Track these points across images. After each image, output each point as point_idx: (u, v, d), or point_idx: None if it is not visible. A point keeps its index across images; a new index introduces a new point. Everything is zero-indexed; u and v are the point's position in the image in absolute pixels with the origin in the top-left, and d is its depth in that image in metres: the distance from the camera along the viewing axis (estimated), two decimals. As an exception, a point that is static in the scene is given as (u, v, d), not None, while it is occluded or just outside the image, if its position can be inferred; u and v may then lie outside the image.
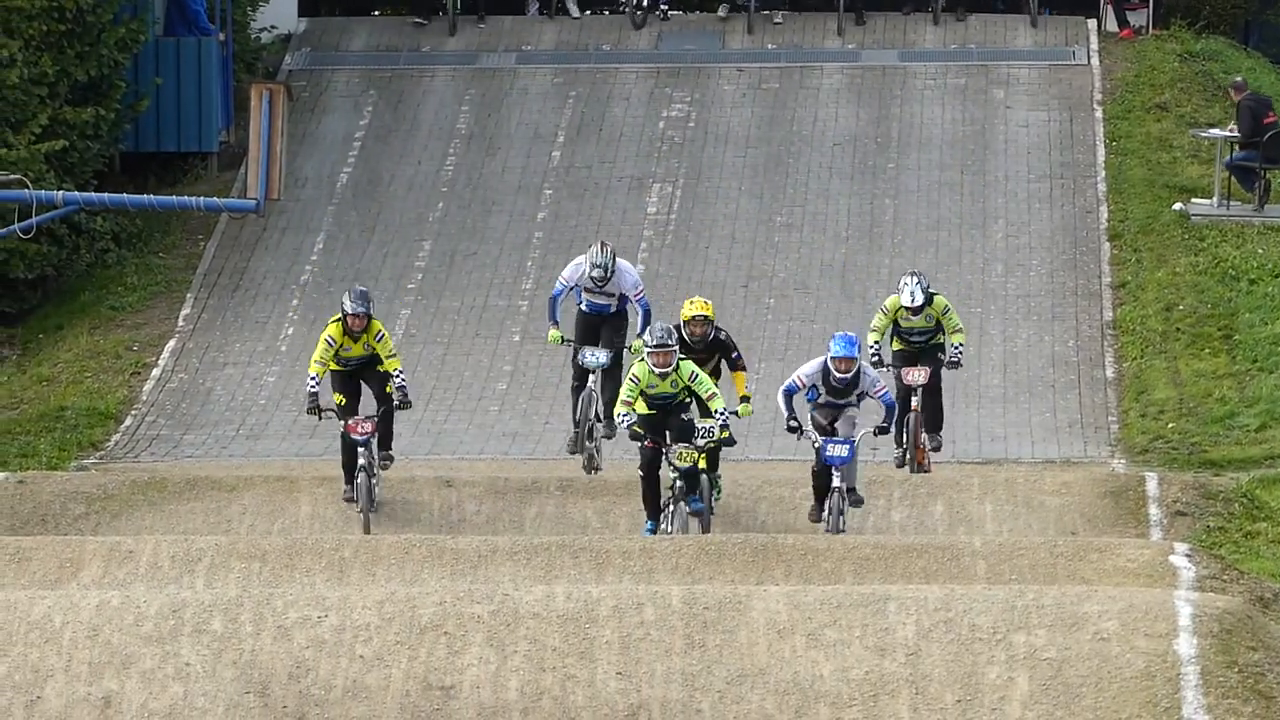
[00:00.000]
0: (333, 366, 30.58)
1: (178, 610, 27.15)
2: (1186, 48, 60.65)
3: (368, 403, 34.09)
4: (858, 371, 30.97)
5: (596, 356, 35.11)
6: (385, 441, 32.30)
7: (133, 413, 48.13)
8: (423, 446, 43.05)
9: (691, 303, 29.32)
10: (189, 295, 53.53)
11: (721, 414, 27.57)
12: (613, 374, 34.86)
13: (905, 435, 36.05)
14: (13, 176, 46.05)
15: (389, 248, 54.94)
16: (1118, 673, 26.47)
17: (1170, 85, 58.01)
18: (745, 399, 30.47)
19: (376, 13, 69.56)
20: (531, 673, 27.85)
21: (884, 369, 36.17)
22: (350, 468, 31.69)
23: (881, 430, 32.62)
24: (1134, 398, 45.62)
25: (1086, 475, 39.14)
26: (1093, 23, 61.90)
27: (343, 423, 29.90)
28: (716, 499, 29.04)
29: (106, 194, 52.83)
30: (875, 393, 32.06)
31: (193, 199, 54.42)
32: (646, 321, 34.90)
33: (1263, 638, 28.07)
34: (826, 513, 32.04)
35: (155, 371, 50.74)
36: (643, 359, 26.84)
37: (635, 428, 26.54)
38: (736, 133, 57.63)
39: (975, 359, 46.38)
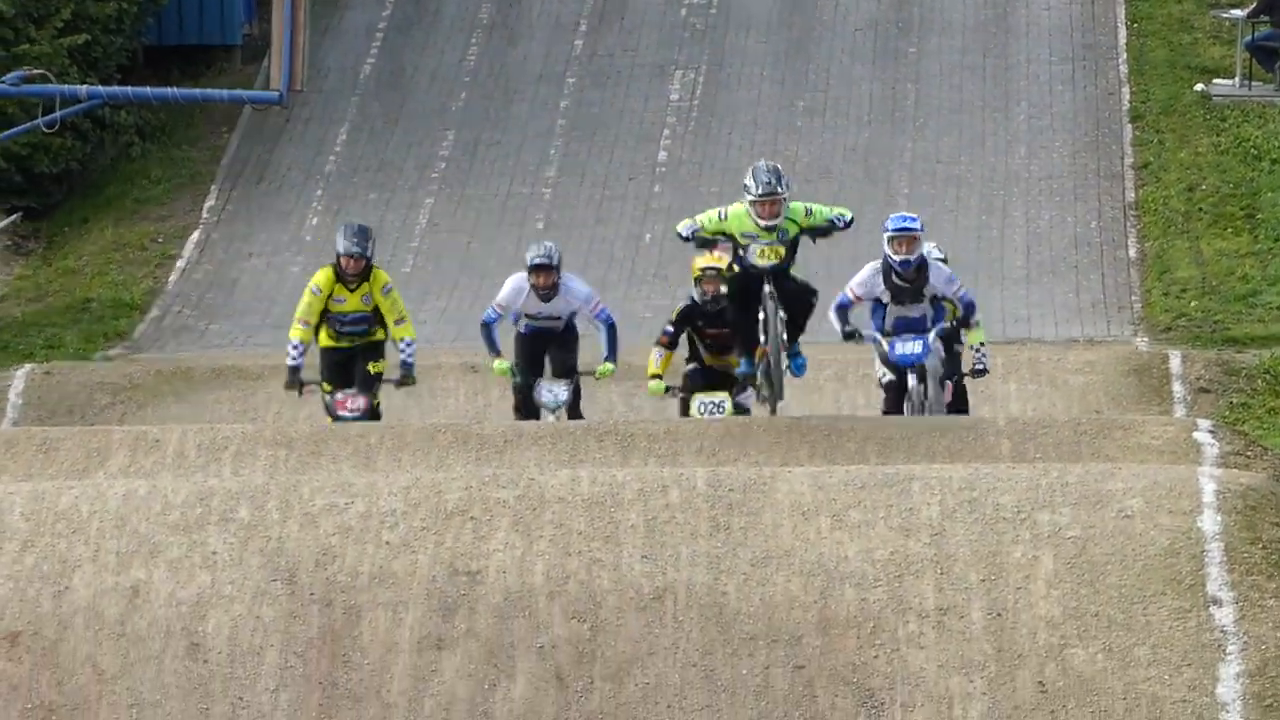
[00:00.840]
0: (324, 337, 27.85)
1: (204, 499, 27.52)
2: None
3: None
4: (923, 261, 27.96)
5: (555, 394, 31.63)
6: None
7: (158, 304, 48.45)
8: (448, 334, 43.17)
9: (705, 255, 27.07)
10: (213, 187, 54.00)
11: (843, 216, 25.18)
12: (572, 412, 32.16)
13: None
14: (36, 71, 46.22)
15: (413, 138, 55.35)
16: (1142, 550, 26.56)
17: None
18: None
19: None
20: (557, 557, 27.90)
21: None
22: None
23: (957, 328, 29.76)
24: (1156, 277, 45.73)
25: (1110, 354, 39.30)
26: None
27: (330, 397, 27.97)
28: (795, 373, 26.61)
29: (130, 88, 52.96)
30: (954, 292, 29.06)
31: (216, 92, 54.56)
32: (612, 338, 31.85)
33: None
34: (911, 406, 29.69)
35: (180, 263, 50.99)
36: (744, 206, 23.69)
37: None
38: (758, 19, 57.66)
39: (999, 240, 48.36)
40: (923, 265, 28.02)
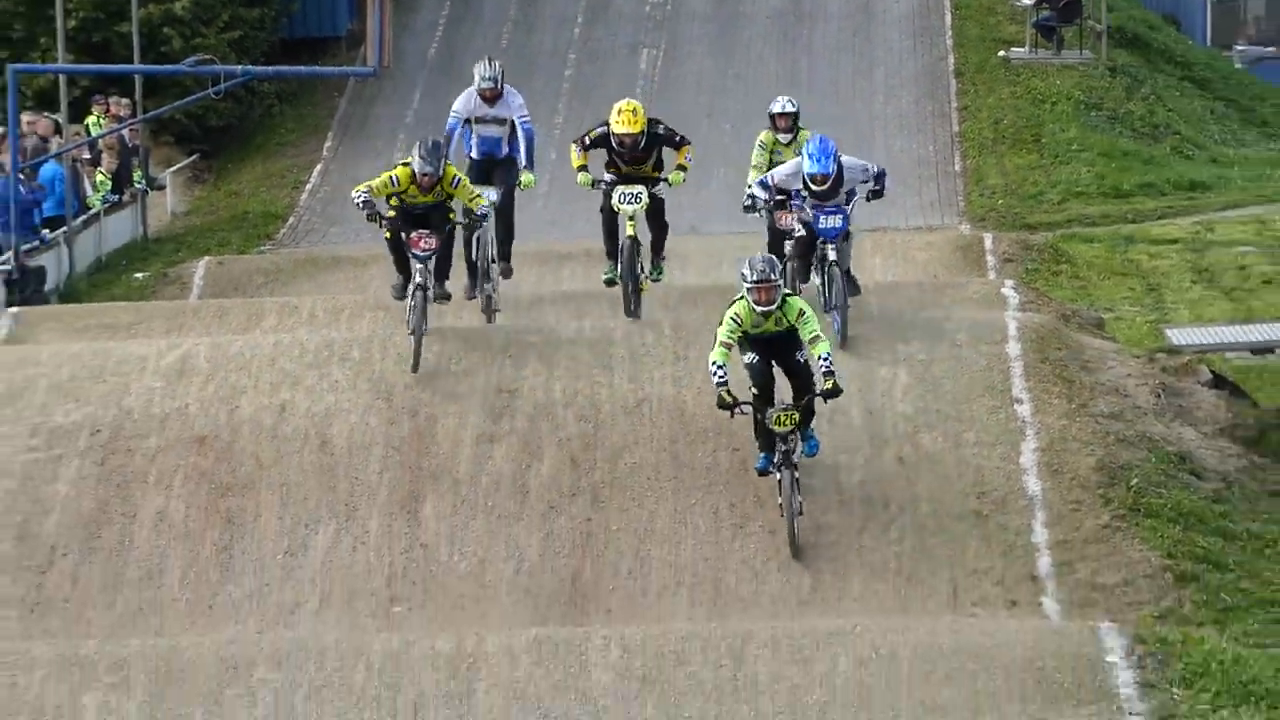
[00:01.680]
0: (392, 204, 25.93)
1: (329, 345, 28.37)
2: None
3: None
4: (839, 174, 26.10)
5: (488, 194, 28.50)
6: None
7: (294, 214, 49.71)
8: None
9: (620, 109, 25.02)
10: (329, 134, 55.24)
11: (826, 360, 22.31)
12: (503, 213, 29.96)
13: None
14: (206, 56, 46.93)
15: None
16: (967, 368, 27.25)
17: None
18: (682, 167, 25.60)
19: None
20: (570, 380, 28.28)
21: (758, 214, 29.62)
22: (404, 278, 27.54)
23: (875, 194, 28.66)
24: (974, 184, 47.15)
25: (943, 237, 40.37)
26: None
27: (405, 235, 25.95)
28: (808, 454, 23.86)
29: (270, 67, 54.17)
30: (865, 179, 27.74)
31: (329, 69, 55.91)
32: (530, 145, 30.18)
33: (1065, 341, 28.92)
34: (824, 285, 27.57)
35: (308, 186, 52.24)
36: (741, 296, 21.63)
37: (724, 394, 21.74)
38: (698, 12, 58.79)
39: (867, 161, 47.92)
40: (839, 177, 26.32)
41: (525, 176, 29.92)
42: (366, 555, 24.22)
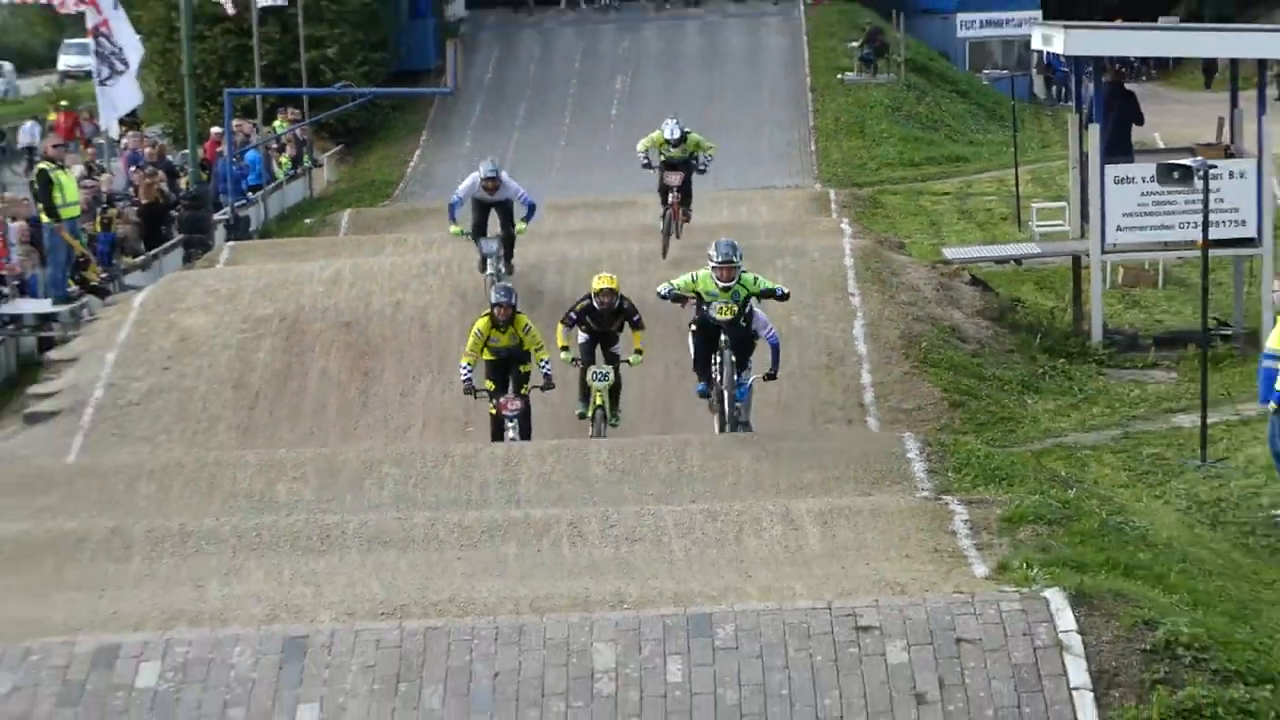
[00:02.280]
0: (485, 356, 22.94)
1: (425, 263, 28.21)
2: (844, 10, 60.70)
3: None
4: (738, 279, 20.22)
5: (489, 245, 26.82)
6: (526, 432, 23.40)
7: (402, 182, 48.94)
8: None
9: (599, 277, 22.47)
10: (423, 131, 53.94)
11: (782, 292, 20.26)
12: (507, 243, 27.28)
13: (666, 216, 29.87)
14: (348, 83, 47.28)
15: (506, 109, 55.09)
16: (820, 273, 27.09)
17: (838, 24, 58.68)
18: (639, 351, 22.61)
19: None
20: (591, 247, 28.55)
21: (652, 170, 30.29)
22: (498, 439, 23.48)
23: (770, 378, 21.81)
24: (823, 159, 46.49)
25: (804, 193, 39.30)
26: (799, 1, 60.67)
27: (493, 401, 22.82)
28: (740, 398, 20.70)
29: (386, 89, 53.83)
30: (765, 333, 21.52)
31: (422, 89, 55.40)
32: (531, 212, 28.06)
33: (880, 257, 28.83)
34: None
35: (410, 164, 51.17)
36: (707, 271, 19.31)
37: (670, 298, 20.14)
38: (653, 52, 57.45)
39: (755, 145, 47.81)
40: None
41: (519, 226, 27.78)
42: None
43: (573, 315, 22.16)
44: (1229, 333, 27.06)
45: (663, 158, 29.97)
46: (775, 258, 27.74)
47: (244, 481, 20.06)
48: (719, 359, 18.94)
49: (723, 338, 18.86)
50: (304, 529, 17.37)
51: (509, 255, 27.36)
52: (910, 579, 14.56)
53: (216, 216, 39.13)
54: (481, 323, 22.75)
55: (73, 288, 31.53)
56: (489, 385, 22.88)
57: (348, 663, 13.13)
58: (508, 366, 23.08)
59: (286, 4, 48.63)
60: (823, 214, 36.84)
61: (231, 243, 36.16)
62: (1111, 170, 28.04)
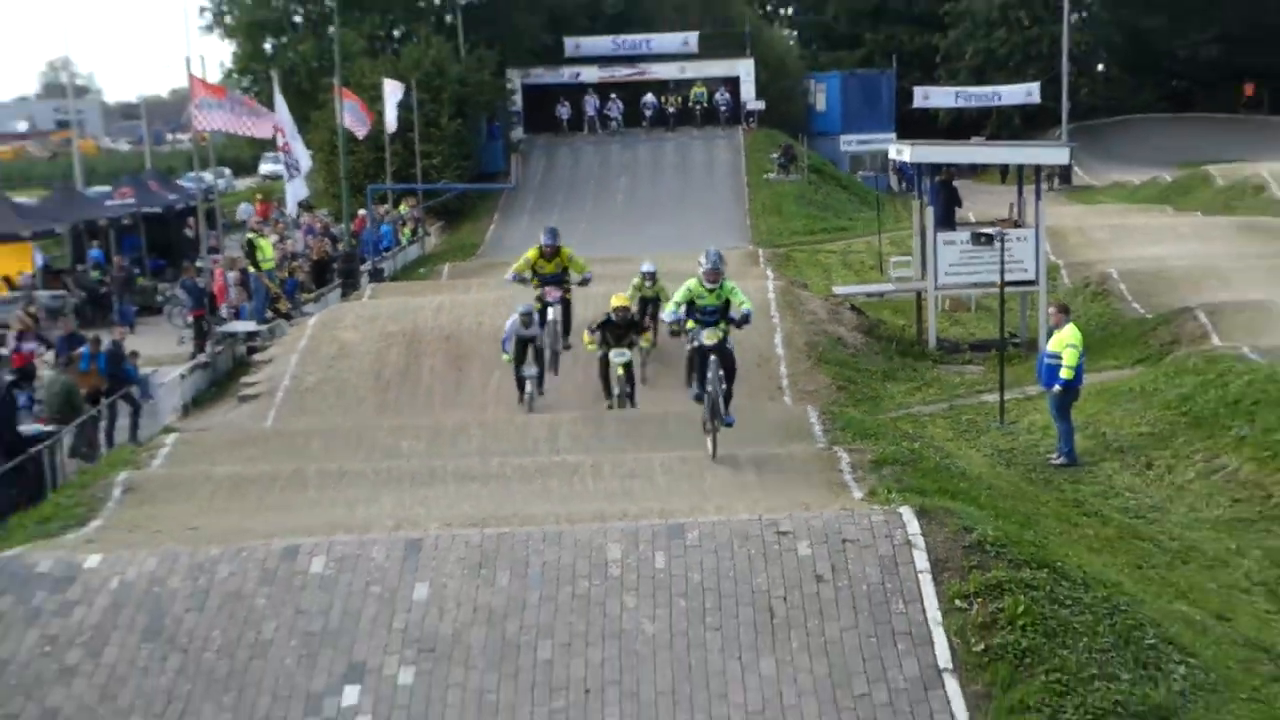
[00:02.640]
0: (533, 284, 21.71)
1: (498, 298, 25.93)
2: (769, 134, 59.04)
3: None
4: (721, 282, 17.67)
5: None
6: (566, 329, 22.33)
7: (482, 245, 46.67)
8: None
9: (616, 297, 21.21)
10: (496, 212, 51.90)
11: (746, 312, 17.24)
12: (565, 309, 22.41)
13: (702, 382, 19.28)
14: (446, 182, 47.04)
15: (554, 197, 53.03)
16: (754, 302, 27.08)
17: (764, 143, 57.17)
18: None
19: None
20: (604, 286, 26.52)
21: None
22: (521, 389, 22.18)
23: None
24: (755, 229, 44.68)
25: (742, 251, 36.54)
26: (740, 128, 59.08)
27: (540, 289, 21.36)
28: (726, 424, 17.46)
29: (472, 184, 53.43)
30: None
31: (495, 185, 54.57)
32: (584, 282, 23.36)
33: (793, 293, 28.01)
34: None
35: (487, 234, 49.23)
36: (696, 278, 17.03)
37: (675, 325, 17.19)
38: (644, 162, 55.73)
39: (708, 224, 44.26)
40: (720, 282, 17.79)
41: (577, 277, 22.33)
42: (513, 384, 22.86)
43: (594, 327, 21.04)
44: (1018, 341, 27.25)
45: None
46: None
47: (379, 439, 20.08)
48: (709, 374, 17.22)
49: (711, 358, 17.27)
50: (418, 470, 17.45)
51: (566, 332, 22.41)
52: (813, 500, 14.63)
53: (362, 268, 39.16)
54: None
55: (269, 315, 31.78)
56: (535, 283, 21.53)
57: (447, 556, 13.21)
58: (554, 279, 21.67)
59: (407, 130, 48.62)
60: (754, 265, 35.83)
61: (372, 285, 36.07)
62: (941, 236, 28.10)
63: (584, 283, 22.14)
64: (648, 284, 24.49)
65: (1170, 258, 33.62)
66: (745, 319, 17.46)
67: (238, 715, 11.54)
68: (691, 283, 17.18)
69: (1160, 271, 31.80)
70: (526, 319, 21.52)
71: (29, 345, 26.70)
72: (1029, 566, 12.93)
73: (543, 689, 11.71)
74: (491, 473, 17.20)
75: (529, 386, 21.83)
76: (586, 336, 20.63)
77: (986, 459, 20.22)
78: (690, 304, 17.23)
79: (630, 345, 20.89)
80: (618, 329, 20.39)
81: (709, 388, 17.63)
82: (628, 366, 20.82)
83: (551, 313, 21.65)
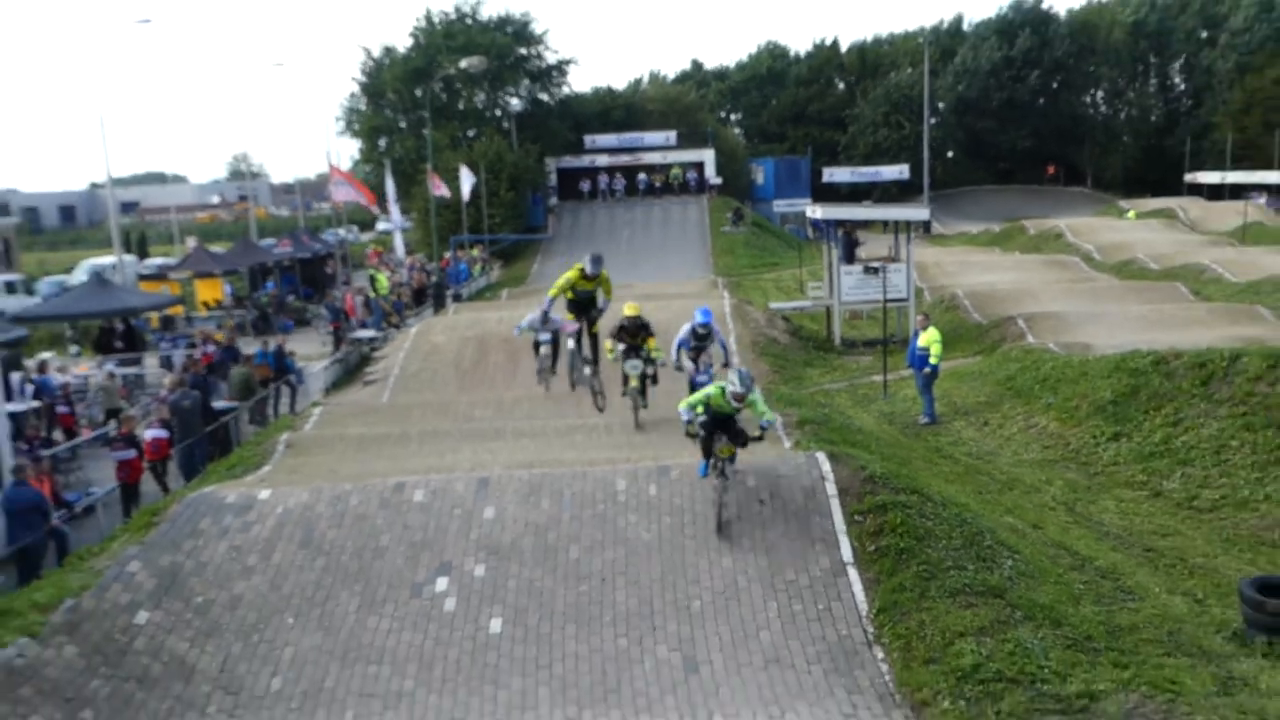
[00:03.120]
0: (568, 296, 16.79)
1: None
2: (725, 200, 58.02)
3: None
4: (710, 331, 16.84)
5: (544, 337, 17.18)
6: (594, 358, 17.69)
7: (529, 277, 45.91)
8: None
9: (628, 304, 16.76)
10: (539, 254, 50.59)
11: (767, 423, 13.18)
12: (595, 336, 17.51)
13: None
14: (505, 233, 46.78)
15: (580, 244, 50.37)
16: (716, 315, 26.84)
17: (722, 206, 56.18)
18: (655, 349, 16.59)
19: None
20: (614, 306, 26.33)
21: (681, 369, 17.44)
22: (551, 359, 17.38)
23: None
24: (716, 264, 43.30)
25: (706, 280, 35.82)
26: (705, 196, 57.99)
27: (570, 322, 17.02)
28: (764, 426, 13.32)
29: (521, 235, 52.97)
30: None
31: (536, 235, 53.83)
32: (603, 309, 17.54)
33: (743, 308, 27.59)
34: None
35: (532, 269, 48.28)
36: (721, 389, 12.68)
37: (690, 429, 12.99)
38: (639, 222, 53.91)
39: (682, 261, 44.16)
40: (709, 333, 16.86)
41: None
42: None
43: (611, 334, 16.78)
44: (895, 339, 26.89)
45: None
46: (693, 306, 27.34)
47: (460, 409, 19.98)
48: (717, 444, 12.88)
49: (720, 434, 12.72)
50: (487, 430, 17.31)
51: (595, 361, 17.57)
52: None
53: (448, 293, 38.87)
54: (573, 273, 16.41)
55: (384, 326, 31.68)
56: (569, 315, 17.18)
57: (507, 488, 13.11)
58: (585, 305, 16.98)
59: (477, 198, 48.71)
60: (715, 288, 34.76)
61: (454, 304, 35.86)
62: (843, 269, 27.98)
63: (600, 310, 17.37)
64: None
65: (998, 282, 33.64)
66: (769, 425, 13.11)
67: (365, 598, 11.47)
68: (714, 391, 12.61)
69: (992, 292, 31.75)
70: (545, 320, 17.14)
71: (211, 348, 26.45)
72: (904, 492, 12.83)
73: (572, 578, 11.63)
74: (537, 431, 17.03)
75: (542, 363, 17.21)
76: (608, 344, 16.81)
77: (875, 420, 20.04)
78: (707, 406, 12.80)
79: (640, 351, 16.63)
80: (629, 333, 16.86)
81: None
82: (641, 376, 17.13)
83: (571, 343, 17.18)
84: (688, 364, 16.85)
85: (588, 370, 17.37)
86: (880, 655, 10.32)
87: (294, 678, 10.36)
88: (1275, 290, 29.79)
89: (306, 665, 10.52)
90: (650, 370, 16.56)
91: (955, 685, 9.57)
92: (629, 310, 16.88)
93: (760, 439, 12.78)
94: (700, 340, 16.69)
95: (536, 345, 17.25)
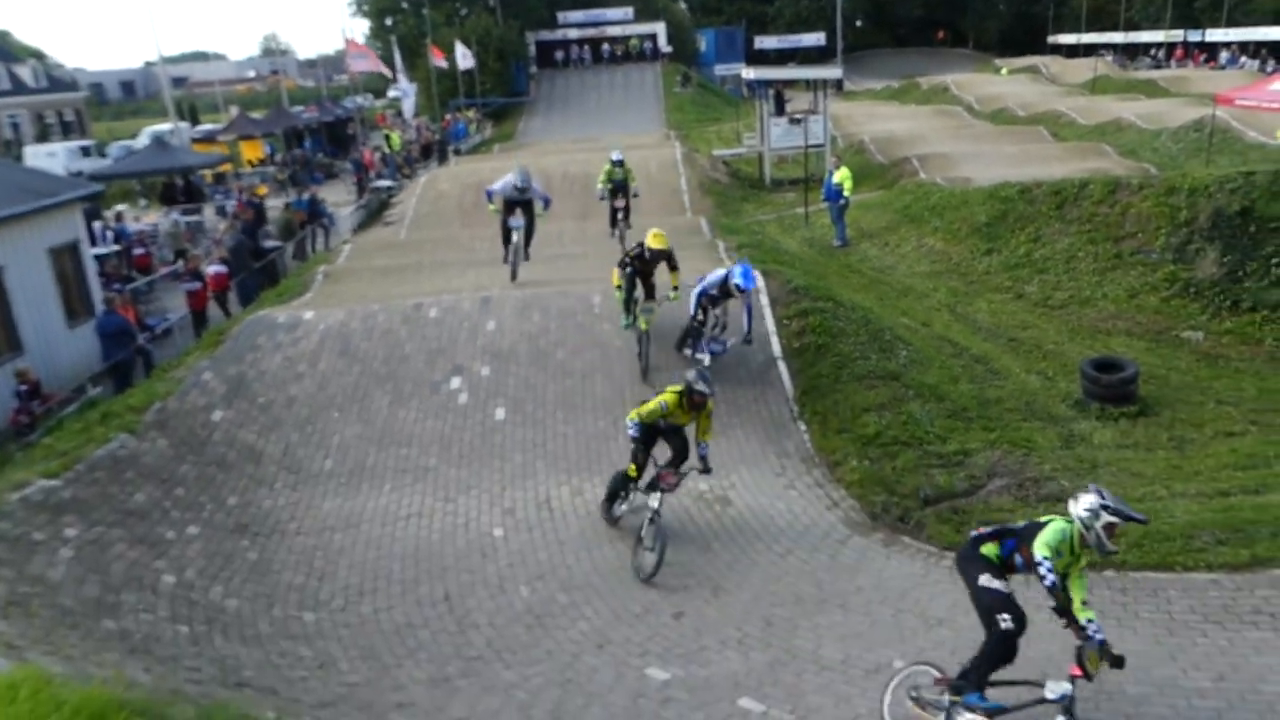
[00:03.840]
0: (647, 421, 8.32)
1: (528, 160, 25.08)
2: (675, 65, 54.60)
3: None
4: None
5: (518, 223, 13.65)
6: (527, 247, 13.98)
7: (516, 134, 42.48)
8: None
9: (655, 235, 11.33)
10: (524, 113, 46.98)
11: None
12: (529, 228, 13.80)
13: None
14: (495, 97, 44.09)
15: (557, 112, 47.24)
16: (665, 161, 25.25)
17: (673, 70, 52.38)
18: (675, 288, 11.43)
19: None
20: (581, 157, 23.85)
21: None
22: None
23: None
24: (668, 120, 41.29)
25: (660, 133, 34.22)
26: (658, 63, 54.50)
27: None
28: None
29: (507, 98, 50.11)
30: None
31: (521, 98, 50.55)
32: (546, 205, 13.90)
33: (691, 155, 26.51)
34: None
35: (519, 126, 44.08)
36: (678, 393, 8.27)
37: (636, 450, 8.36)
38: (604, 84, 49.42)
39: (640, 117, 40.83)
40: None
41: (539, 208, 13.57)
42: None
43: (625, 258, 11.67)
44: (814, 178, 26.13)
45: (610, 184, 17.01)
46: (652, 155, 26.54)
47: (464, 242, 19.45)
48: (514, 239, 11.56)
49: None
50: (486, 259, 16.86)
51: (528, 243, 14.00)
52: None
53: (449, 149, 37.44)
54: (670, 398, 8.37)
55: (399, 176, 30.65)
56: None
57: (505, 305, 12.89)
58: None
59: (473, 68, 46.54)
60: (668, 140, 33.17)
61: (455, 156, 34.47)
62: (772, 121, 27.14)
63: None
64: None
65: (897, 129, 32.86)
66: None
67: (394, 395, 11.38)
68: (669, 399, 8.36)
69: (891, 137, 31.11)
70: (522, 188, 13.33)
71: (248, 199, 25.34)
72: (822, 300, 12.80)
73: (560, 375, 11.59)
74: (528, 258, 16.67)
75: (515, 238, 13.71)
76: (615, 275, 11.73)
77: (798, 244, 19.86)
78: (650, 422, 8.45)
79: (654, 293, 11.62)
80: (647, 263, 11.50)
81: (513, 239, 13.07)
82: (646, 330, 11.58)
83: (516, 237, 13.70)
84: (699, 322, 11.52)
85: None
86: (803, 428, 10.46)
87: (341, 459, 10.38)
88: (1117, 131, 29.54)
89: (351, 449, 10.54)
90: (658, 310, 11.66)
91: (861, 448, 9.86)
92: (654, 241, 11.26)
93: (707, 471, 8.41)
94: (725, 296, 11.32)
95: (507, 232, 13.53)
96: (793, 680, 6.45)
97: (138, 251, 21.35)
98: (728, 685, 6.42)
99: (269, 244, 20.62)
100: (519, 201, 13.62)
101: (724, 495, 9.26)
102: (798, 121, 26.46)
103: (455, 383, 11.53)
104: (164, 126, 44.14)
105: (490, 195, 13.66)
